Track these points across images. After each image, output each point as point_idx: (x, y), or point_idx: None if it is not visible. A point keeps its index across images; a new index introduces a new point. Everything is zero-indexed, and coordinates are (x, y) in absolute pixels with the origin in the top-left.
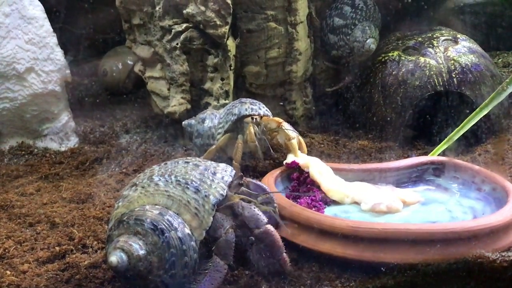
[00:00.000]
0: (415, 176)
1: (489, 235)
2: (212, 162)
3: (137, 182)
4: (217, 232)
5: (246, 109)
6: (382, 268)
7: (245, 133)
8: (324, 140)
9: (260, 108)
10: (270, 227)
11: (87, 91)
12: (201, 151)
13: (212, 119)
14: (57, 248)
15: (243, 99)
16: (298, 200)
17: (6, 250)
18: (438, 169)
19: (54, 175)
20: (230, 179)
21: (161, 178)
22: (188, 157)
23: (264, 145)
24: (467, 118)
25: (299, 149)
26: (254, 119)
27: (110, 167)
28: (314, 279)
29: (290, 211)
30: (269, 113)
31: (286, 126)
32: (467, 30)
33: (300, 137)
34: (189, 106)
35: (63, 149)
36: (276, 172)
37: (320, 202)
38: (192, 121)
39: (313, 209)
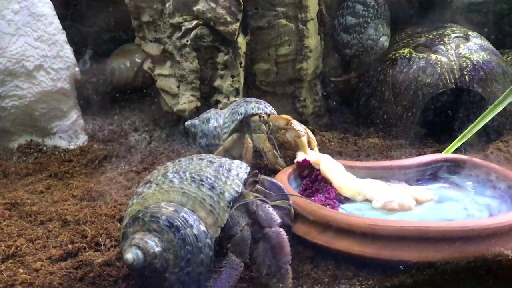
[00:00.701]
0: (430, 174)
1: (508, 232)
2: (227, 159)
3: (152, 179)
4: (233, 230)
5: (252, 108)
6: (400, 266)
7: (256, 139)
8: (334, 138)
9: (266, 107)
10: (282, 230)
11: (96, 89)
12: (206, 151)
13: (217, 118)
14: (70, 246)
15: (248, 99)
16: (312, 198)
17: (18, 248)
18: (452, 166)
19: (64, 173)
20: (245, 176)
21: (175, 175)
22: (202, 154)
23: (273, 144)
24: (481, 116)
25: (309, 146)
26: (262, 118)
27: (119, 165)
28: (331, 277)
29: (305, 209)
30: (275, 112)
31: (295, 123)
32: (475, 28)
33: (311, 134)
34: (198, 104)
35: (72, 147)
36: (289, 170)
37: (335, 200)
38: (196, 121)
39: (328, 206)
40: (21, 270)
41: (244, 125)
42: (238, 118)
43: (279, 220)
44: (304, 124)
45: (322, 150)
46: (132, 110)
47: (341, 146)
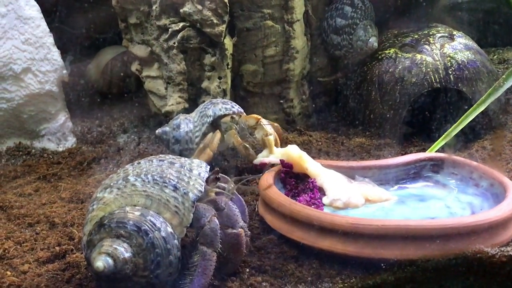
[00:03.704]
0: (414, 173)
1: (488, 230)
2: (186, 158)
3: (111, 184)
4: (200, 222)
5: (220, 109)
6: (382, 264)
7: (227, 137)
8: (322, 138)
9: (233, 107)
10: (242, 232)
11: (84, 91)
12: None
13: (187, 123)
14: (57, 248)
15: (214, 100)
16: (297, 198)
17: (6, 251)
18: (436, 165)
19: (52, 176)
20: (206, 175)
21: (137, 178)
22: (161, 155)
23: (250, 141)
24: (465, 114)
25: (275, 145)
26: (233, 118)
27: (108, 167)
28: (314, 276)
29: (290, 209)
30: (241, 110)
31: (264, 122)
32: (463, 27)
33: (277, 136)
34: (186, 105)
35: (60, 149)
36: (274, 171)
37: (319, 200)
38: (167, 128)
39: (312, 206)
40: (8, 273)
41: (215, 127)
42: (208, 120)
43: (241, 223)
44: (291, 124)
45: (310, 150)
46: (120, 111)
47: (329, 146)
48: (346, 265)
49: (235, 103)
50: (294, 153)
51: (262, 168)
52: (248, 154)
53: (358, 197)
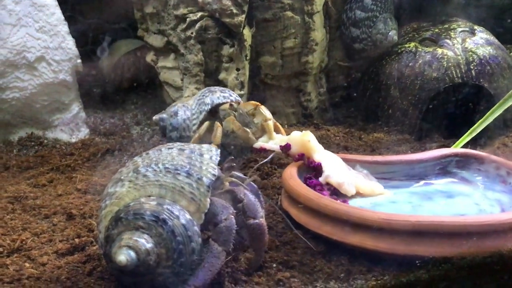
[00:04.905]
0: (439, 169)
1: None
2: (195, 144)
3: (122, 177)
4: (216, 218)
5: (218, 98)
6: (416, 262)
7: (225, 123)
8: (339, 132)
9: (231, 95)
10: (264, 222)
11: (97, 82)
12: None
13: (185, 111)
14: (77, 240)
15: (212, 88)
16: (322, 192)
17: (23, 242)
18: (461, 161)
19: (66, 167)
20: (218, 158)
21: (148, 168)
22: (169, 144)
23: (250, 128)
24: (490, 110)
25: (277, 132)
26: (232, 106)
27: (122, 159)
28: (345, 272)
29: (317, 203)
30: (239, 99)
31: (263, 108)
32: (476, 23)
33: (277, 123)
34: None
35: (73, 140)
36: (298, 163)
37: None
38: (164, 115)
39: (339, 200)
40: (27, 264)
41: (213, 114)
42: (206, 108)
43: (262, 212)
44: (308, 118)
45: (327, 144)
46: (134, 103)
47: (346, 141)
48: (376, 261)
49: (233, 92)
50: (298, 133)
51: (261, 152)
52: (248, 138)
53: (351, 186)
